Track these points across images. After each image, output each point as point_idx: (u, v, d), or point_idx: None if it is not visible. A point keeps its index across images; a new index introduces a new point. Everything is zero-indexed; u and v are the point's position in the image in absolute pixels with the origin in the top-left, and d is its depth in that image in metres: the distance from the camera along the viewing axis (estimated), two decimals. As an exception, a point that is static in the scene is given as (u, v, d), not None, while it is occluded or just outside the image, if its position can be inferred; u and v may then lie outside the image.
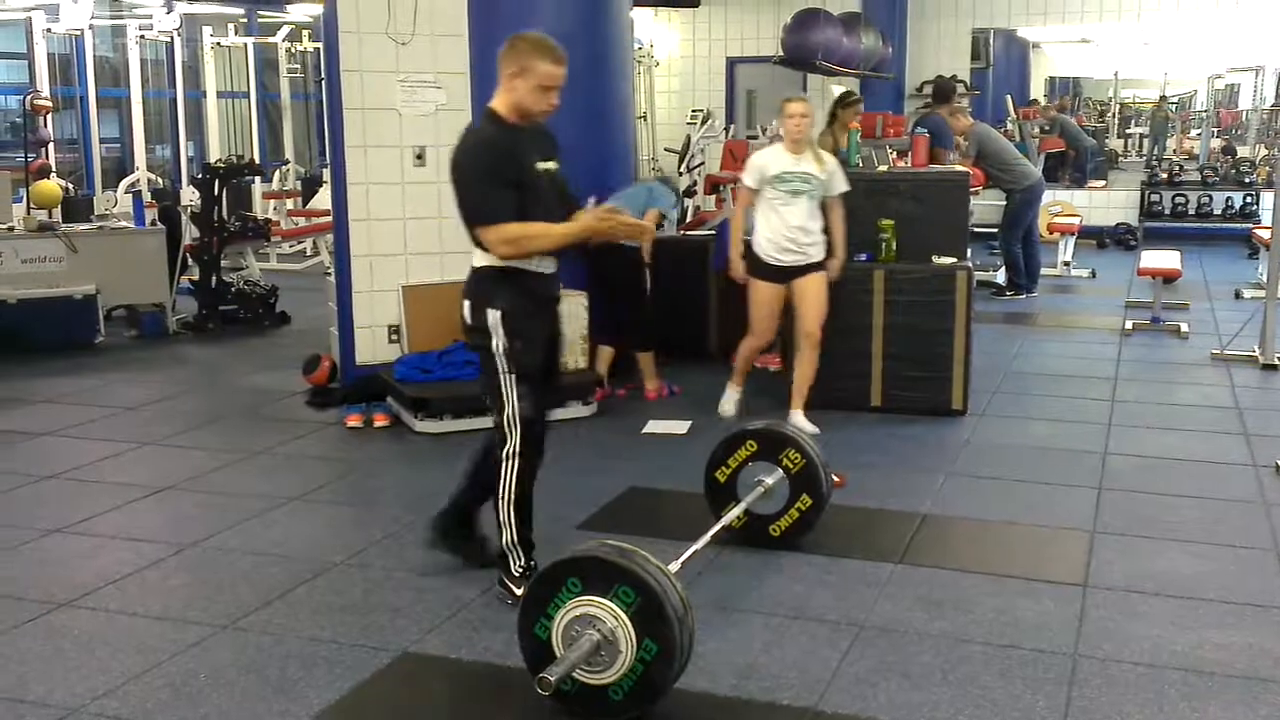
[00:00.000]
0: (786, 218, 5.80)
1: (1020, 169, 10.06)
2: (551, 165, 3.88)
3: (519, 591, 3.74)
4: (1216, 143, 16.25)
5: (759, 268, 5.91)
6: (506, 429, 3.83)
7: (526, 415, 3.82)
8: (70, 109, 13.20)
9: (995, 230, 10.52)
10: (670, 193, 6.87)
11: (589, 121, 6.55)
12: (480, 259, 3.79)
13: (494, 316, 3.74)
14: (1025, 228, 10.06)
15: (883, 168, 6.97)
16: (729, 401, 6.21)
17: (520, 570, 3.90)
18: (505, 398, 3.80)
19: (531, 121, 3.81)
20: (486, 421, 5.99)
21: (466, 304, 3.82)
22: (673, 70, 16.08)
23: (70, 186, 10.11)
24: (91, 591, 4.05)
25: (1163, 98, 21.27)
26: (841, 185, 5.96)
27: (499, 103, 3.81)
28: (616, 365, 6.69)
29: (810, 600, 3.94)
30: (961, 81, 15.30)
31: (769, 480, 4.28)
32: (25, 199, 9.14)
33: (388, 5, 6.39)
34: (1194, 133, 18.20)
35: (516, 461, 3.86)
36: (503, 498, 3.88)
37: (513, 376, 3.78)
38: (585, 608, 3.07)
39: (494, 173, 3.70)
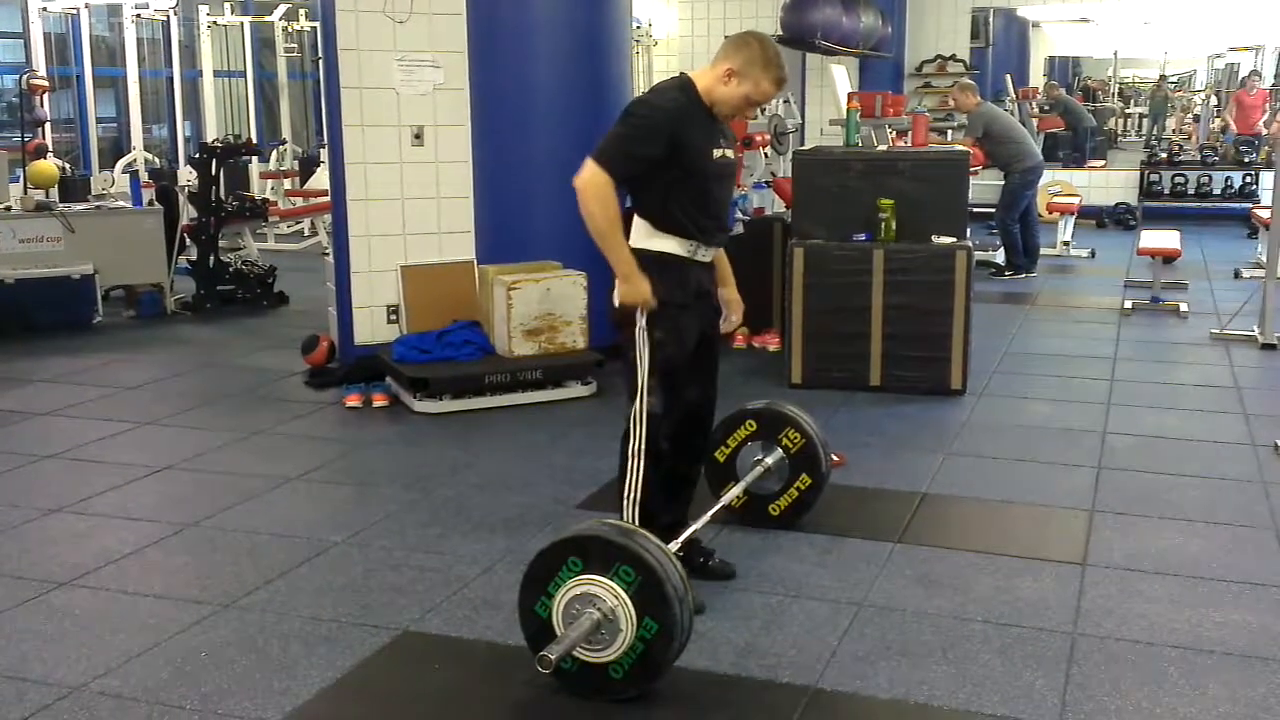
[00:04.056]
0: None
1: (1024, 148, 10.03)
2: (731, 152, 3.70)
3: None
4: (1216, 123, 16.21)
5: None
6: (632, 422, 3.57)
7: (653, 411, 3.57)
8: (67, 88, 13.15)
9: (993, 210, 10.50)
10: None
11: (584, 100, 6.52)
12: (637, 238, 3.60)
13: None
14: (1023, 208, 10.05)
15: (882, 147, 6.96)
16: None
17: None
18: (638, 388, 3.56)
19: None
20: (485, 401, 6.07)
21: (618, 285, 3.63)
22: (671, 49, 16.02)
23: (67, 166, 10.07)
24: (92, 571, 4.05)
25: (1162, 77, 21.26)
26: None
27: (702, 79, 3.62)
28: None
29: (809, 579, 3.95)
30: (961, 61, 15.28)
31: (768, 460, 4.28)
32: (22, 179, 9.11)
33: (385, -17, 6.37)
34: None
35: (643, 460, 3.58)
36: (628, 496, 3.59)
37: (645, 367, 3.55)
38: (586, 586, 3.07)
39: (645, 133, 3.50)
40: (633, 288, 3.52)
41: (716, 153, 3.63)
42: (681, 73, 3.76)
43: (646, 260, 3.61)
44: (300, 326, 7.74)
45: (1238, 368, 6.91)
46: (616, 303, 3.59)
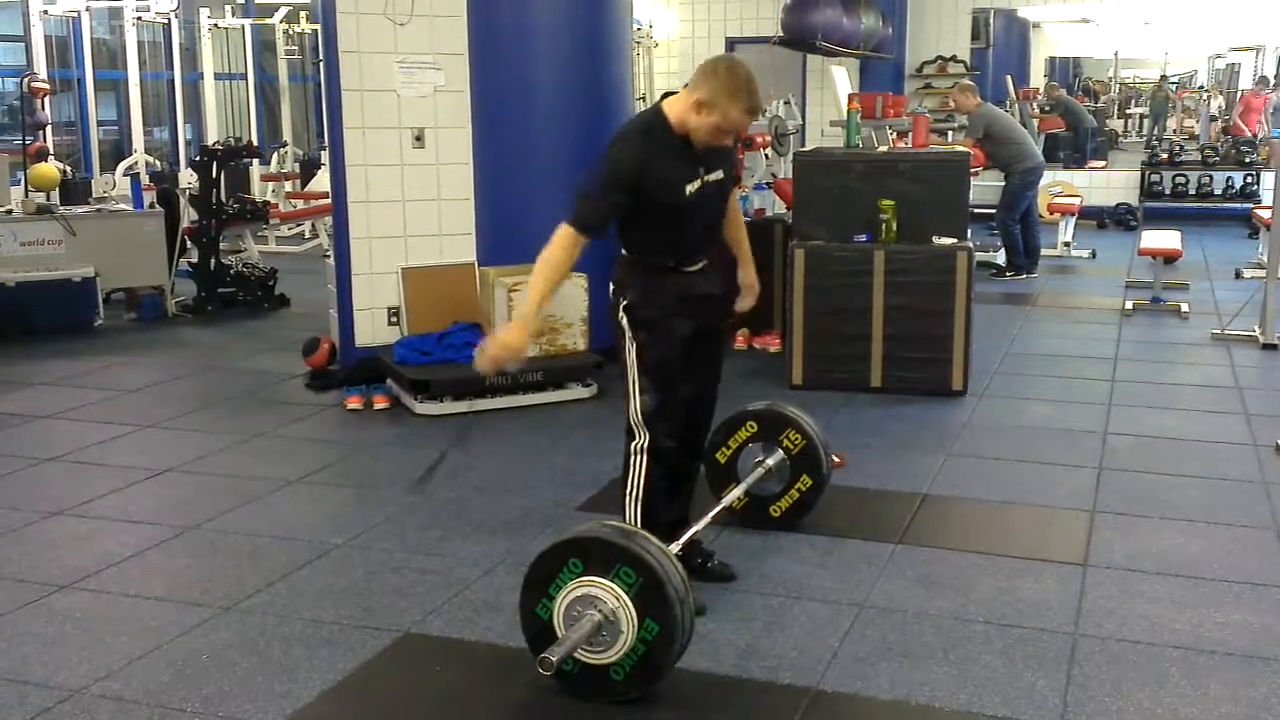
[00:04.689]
0: None
1: (1024, 149, 10.02)
2: (713, 176, 3.61)
3: None
4: (1216, 125, 16.23)
5: None
6: (634, 425, 3.64)
7: (647, 410, 3.60)
8: (68, 91, 13.17)
9: (994, 211, 10.49)
10: None
11: (584, 102, 6.52)
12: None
13: (623, 304, 3.61)
14: (1024, 209, 10.04)
15: (883, 148, 6.96)
16: None
17: None
18: (630, 391, 3.64)
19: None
20: (486, 403, 6.06)
21: (611, 287, 3.69)
22: (672, 51, 16.03)
23: (68, 169, 10.08)
24: (93, 574, 4.05)
25: (1163, 77, 21.26)
26: None
27: (673, 107, 3.55)
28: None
29: (811, 580, 3.95)
30: (962, 62, 15.28)
31: (769, 461, 4.28)
32: (23, 182, 9.11)
33: (386, -14, 6.37)
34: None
35: (646, 458, 3.63)
36: (630, 494, 3.66)
37: (634, 368, 3.61)
38: (586, 588, 3.07)
39: (614, 188, 3.48)
40: (513, 333, 3.47)
41: (690, 187, 3.54)
42: (659, 99, 3.71)
43: (630, 263, 3.65)
44: (301, 329, 7.74)
45: (1239, 368, 6.91)
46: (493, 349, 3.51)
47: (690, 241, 3.67)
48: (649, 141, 3.54)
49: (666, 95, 3.73)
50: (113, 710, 3.15)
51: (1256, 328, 7.52)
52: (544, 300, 3.53)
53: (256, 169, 13.42)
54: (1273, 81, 17.43)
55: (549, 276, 3.49)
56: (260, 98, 14.71)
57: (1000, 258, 10.34)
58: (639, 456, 3.64)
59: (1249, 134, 14.94)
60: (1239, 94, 18.00)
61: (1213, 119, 16.61)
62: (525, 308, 3.55)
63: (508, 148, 6.50)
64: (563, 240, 3.49)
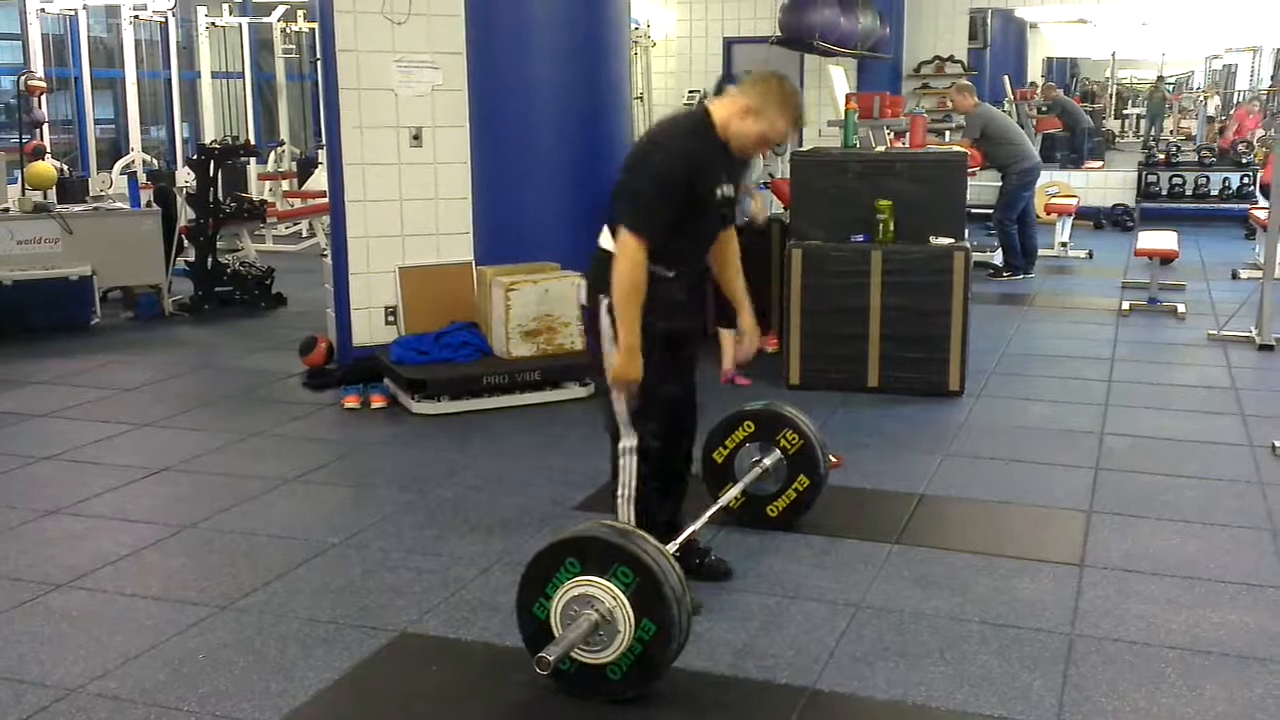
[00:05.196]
0: None
1: (1021, 149, 10.03)
2: (728, 189, 3.66)
3: None
4: (1213, 127, 16.24)
5: None
6: (620, 426, 3.66)
7: (633, 411, 3.62)
8: (65, 90, 13.15)
9: (991, 211, 10.50)
10: None
11: (582, 101, 6.52)
12: (607, 241, 3.62)
13: (605, 303, 3.59)
14: (1021, 209, 10.05)
15: (880, 148, 6.97)
16: None
17: None
18: (613, 394, 3.64)
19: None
20: (483, 403, 6.06)
21: (583, 284, 3.69)
22: (669, 51, 16.02)
23: (65, 168, 10.06)
24: (89, 572, 4.05)
25: (1160, 78, 21.28)
26: None
27: (719, 111, 3.61)
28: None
29: (807, 580, 3.95)
30: (959, 62, 15.29)
31: (766, 461, 4.28)
32: (20, 180, 9.11)
33: (383, -15, 6.37)
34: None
35: (635, 458, 3.65)
36: (622, 495, 3.70)
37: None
38: (584, 588, 3.07)
39: (671, 187, 3.50)
40: (630, 363, 3.52)
41: (720, 192, 3.62)
42: (700, 102, 3.74)
43: (611, 262, 3.62)
44: (298, 328, 7.75)
45: (1235, 368, 6.91)
46: (609, 375, 3.58)
47: (700, 248, 3.72)
48: (699, 142, 3.58)
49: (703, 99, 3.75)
50: (109, 709, 3.15)
51: (1253, 328, 7.53)
52: (637, 321, 3.50)
53: (254, 168, 13.40)
54: (1268, 84, 17.47)
55: (631, 289, 3.48)
56: (258, 96, 14.73)
57: (997, 258, 10.34)
58: (628, 458, 3.66)
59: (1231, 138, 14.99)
60: (1234, 107, 18.02)
61: (1210, 120, 16.63)
62: (625, 338, 3.51)
63: (505, 147, 6.49)
64: (626, 252, 3.48)
